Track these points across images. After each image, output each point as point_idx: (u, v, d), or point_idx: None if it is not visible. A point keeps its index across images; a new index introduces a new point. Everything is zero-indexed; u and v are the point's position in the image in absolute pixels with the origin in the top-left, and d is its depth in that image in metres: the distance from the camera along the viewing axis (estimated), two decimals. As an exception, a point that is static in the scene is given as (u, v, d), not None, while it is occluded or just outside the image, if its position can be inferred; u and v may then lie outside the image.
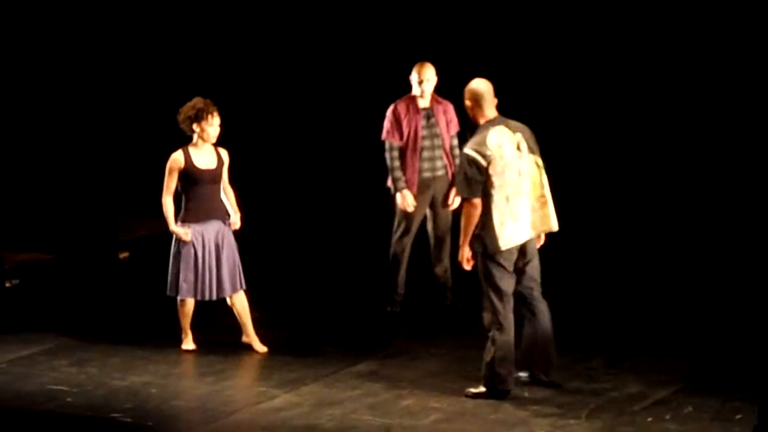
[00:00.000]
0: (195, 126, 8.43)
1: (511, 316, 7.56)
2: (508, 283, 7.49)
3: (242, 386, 8.23)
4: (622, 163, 11.49)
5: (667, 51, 11.66)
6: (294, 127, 13.36)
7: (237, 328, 8.97)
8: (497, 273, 7.45)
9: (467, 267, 7.54)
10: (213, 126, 8.46)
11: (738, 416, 7.17)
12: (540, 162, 7.59)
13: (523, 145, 7.50)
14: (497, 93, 7.80)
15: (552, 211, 7.58)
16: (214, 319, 9.63)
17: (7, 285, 10.86)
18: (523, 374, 7.76)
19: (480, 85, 7.59)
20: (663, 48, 11.65)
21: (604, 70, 11.83)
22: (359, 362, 8.55)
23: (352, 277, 11.16)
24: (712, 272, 10.40)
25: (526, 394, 7.65)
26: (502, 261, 7.43)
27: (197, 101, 8.51)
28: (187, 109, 8.50)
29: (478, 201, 7.37)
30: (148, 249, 12.01)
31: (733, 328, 9.14)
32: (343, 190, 12.70)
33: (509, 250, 7.42)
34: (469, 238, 7.48)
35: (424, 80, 9.07)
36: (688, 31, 11.50)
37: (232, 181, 9.09)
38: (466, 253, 7.50)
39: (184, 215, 8.46)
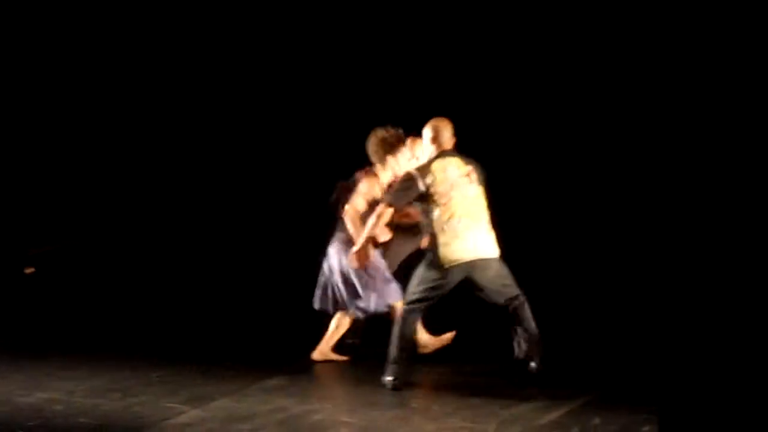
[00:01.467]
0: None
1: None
2: (437, 292, 7.80)
3: (149, 402, 7.87)
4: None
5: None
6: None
7: (138, 342, 8.93)
8: (435, 281, 7.75)
9: (354, 264, 8.15)
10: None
11: (644, 428, 7.08)
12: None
13: (474, 176, 7.94)
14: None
15: (476, 238, 7.89)
16: (120, 335, 9.48)
17: None
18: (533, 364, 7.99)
19: (442, 121, 8.10)
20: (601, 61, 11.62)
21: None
22: (269, 377, 8.33)
23: (263, 291, 11.07)
24: (621, 285, 10.42)
25: (436, 407, 7.52)
26: (445, 276, 7.72)
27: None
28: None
29: (391, 210, 7.92)
30: (56, 265, 11.90)
31: (641, 340, 9.14)
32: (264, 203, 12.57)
33: (454, 268, 7.72)
34: (366, 237, 8.10)
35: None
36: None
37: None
38: (358, 249, 8.13)
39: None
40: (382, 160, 8.68)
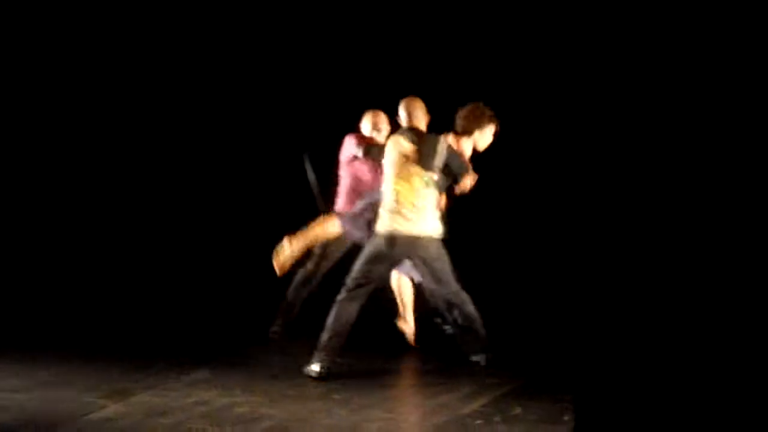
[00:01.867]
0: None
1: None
2: (378, 268, 7.78)
3: (69, 397, 7.48)
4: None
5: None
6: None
7: (62, 336, 8.77)
8: (375, 255, 7.78)
9: None
10: None
11: (565, 417, 6.98)
12: (434, 178, 7.85)
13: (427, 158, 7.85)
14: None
15: (425, 220, 7.79)
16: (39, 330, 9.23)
17: None
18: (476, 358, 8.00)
19: (415, 100, 8.14)
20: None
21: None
22: (192, 370, 8.05)
23: (186, 286, 10.87)
24: (546, 277, 10.33)
25: (358, 398, 7.33)
26: (385, 247, 7.74)
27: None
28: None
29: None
30: None
31: (563, 331, 9.09)
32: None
33: (385, 236, 7.73)
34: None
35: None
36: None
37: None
38: None
39: None
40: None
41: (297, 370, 7.90)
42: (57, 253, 12.21)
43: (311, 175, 9.13)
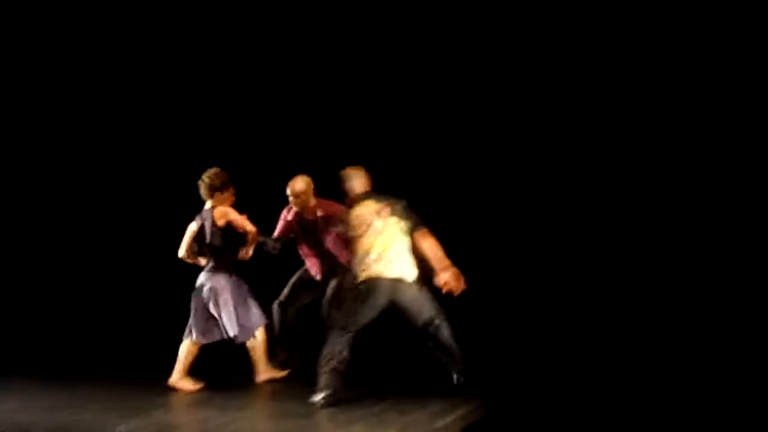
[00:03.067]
0: None
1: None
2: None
3: (89, 418, 8.19)
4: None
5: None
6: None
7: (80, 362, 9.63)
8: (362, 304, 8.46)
9: None
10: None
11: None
12: (404, 227, 8.51)
13: (384, 212, 8.51)
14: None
15: (392, 265, 8.46)
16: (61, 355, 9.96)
17: None
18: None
19: (352, 170, 8.74)
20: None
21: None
22: (194, 391, 8.89)
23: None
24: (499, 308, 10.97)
25: (342, 416, 8.03)
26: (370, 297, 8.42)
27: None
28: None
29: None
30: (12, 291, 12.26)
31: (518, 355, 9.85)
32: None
33: (377, 288, 8.38)
34: None
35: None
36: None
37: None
38: None
39: None
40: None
41: (287, 390, 8.70)
42: (61, 274, 12.64)
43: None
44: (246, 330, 8.94)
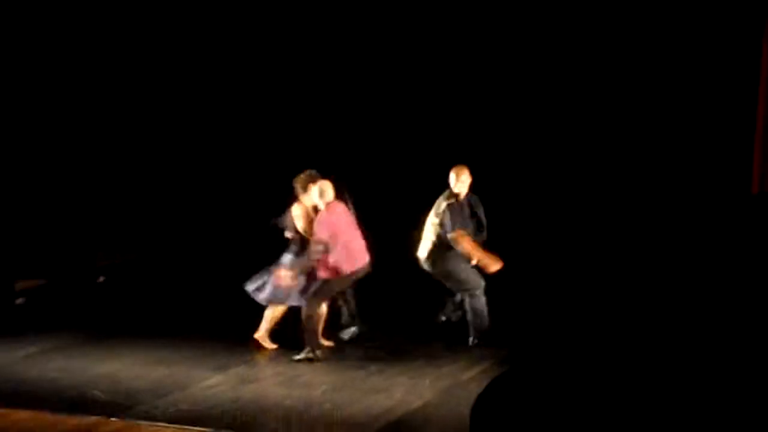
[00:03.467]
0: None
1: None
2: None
3: (182, 371, 9.79)
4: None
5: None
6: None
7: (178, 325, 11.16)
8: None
9: None
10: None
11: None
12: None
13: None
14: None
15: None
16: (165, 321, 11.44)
17: (17, 302, 12.35)
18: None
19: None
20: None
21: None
22: (269, 351, 10.36)
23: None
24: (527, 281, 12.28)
25: (388, 369, 9.68)
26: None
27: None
28: None
29: None
30: (121, 274, 13.70)
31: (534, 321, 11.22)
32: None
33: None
34: None
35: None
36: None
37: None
38: None
39: None
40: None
41: (340, 353, 10.23)
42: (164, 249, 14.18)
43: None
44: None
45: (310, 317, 10.00)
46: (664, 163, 12.42)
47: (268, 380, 9.65)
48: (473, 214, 10.47)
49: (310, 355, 10.01)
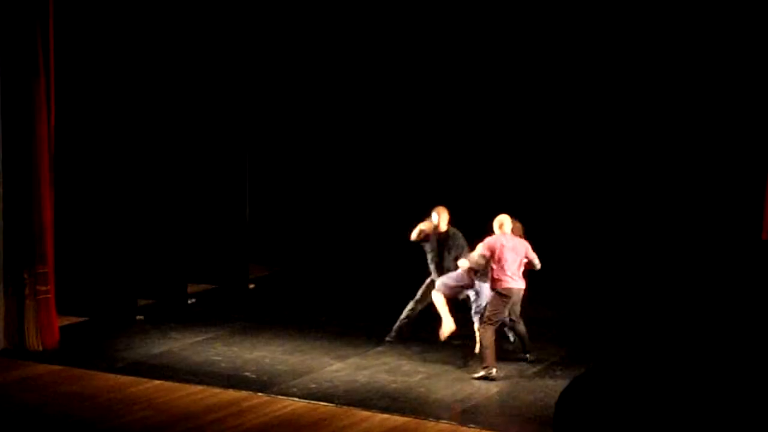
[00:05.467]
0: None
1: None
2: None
3: (314, 357, 11.33)
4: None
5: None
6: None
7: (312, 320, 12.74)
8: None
9: None
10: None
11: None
12: None
13: None
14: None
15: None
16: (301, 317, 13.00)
17: (189, 302, 13.79)
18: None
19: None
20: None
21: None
22: (379, 344, 11.86)
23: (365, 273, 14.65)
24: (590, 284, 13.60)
25: (473, 362, 11.11)
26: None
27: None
28: None
29: None
30: (269, 282, 15.33)
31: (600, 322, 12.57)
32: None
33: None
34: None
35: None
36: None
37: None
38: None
39: None
40: None
41: (436, 350, 11.65)
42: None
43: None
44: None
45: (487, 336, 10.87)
46: (676, 208, 13.06)
47: (378, 368, 11.10)
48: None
49: (490, 372, 10.84)
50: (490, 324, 10.99)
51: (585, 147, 13.64)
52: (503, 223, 11.14)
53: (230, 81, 14.21)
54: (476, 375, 10.95)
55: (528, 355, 11.44)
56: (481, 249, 11.00)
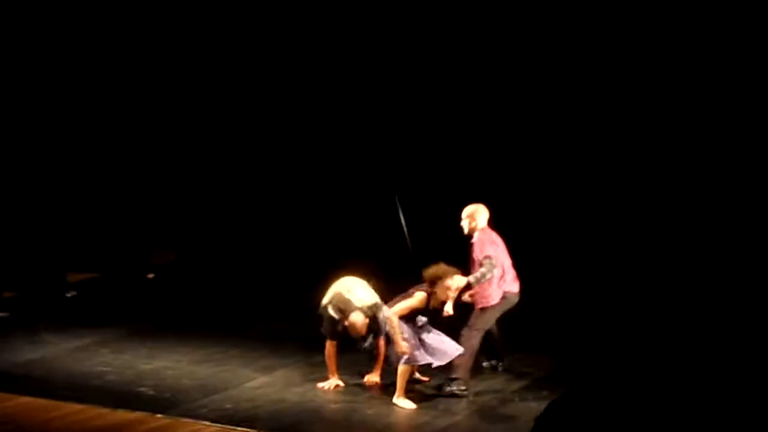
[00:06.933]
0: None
1: None
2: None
3: (231, 370, 9.96)
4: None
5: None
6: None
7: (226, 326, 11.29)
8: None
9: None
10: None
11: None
12: None
13: None
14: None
15: None
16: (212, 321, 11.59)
17: (68, 295, 12.56)
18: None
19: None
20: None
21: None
22: (315, 355, 10.12)
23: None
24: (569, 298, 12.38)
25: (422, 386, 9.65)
26: None
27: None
28: None
29: None
30: (171, 272, 13.93)
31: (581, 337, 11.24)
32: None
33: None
34: None
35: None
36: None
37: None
38: None
39: None
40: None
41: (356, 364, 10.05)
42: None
43: (402, 218, 11.11)
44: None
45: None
46: (676, 210, 12.71)
47: (312, 384, 9.71)
48: None
49: (461, 388, 9.65)
50: (477, 331, 9.69)
51: (571, 153, 13.47)
52: (486, 214, 9.84)
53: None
54: (446, 389, 9.65)
55: (499, 363, 10.18)
56: (485, 252, 9.66)
